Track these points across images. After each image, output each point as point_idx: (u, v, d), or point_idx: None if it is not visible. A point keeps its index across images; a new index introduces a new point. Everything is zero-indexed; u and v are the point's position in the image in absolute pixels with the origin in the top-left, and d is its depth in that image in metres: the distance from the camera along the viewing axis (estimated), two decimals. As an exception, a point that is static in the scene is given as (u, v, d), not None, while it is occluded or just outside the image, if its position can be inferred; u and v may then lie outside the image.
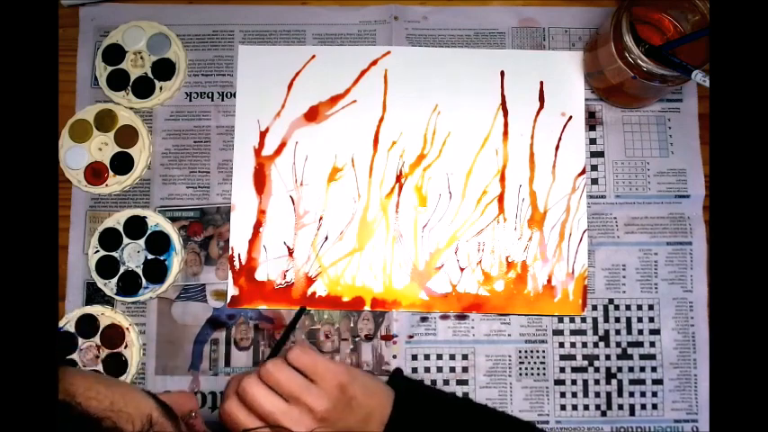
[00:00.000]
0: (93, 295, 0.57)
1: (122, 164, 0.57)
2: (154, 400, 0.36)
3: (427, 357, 0.57)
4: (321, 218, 0.58)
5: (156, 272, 0.56)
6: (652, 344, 0.57)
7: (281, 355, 0.47)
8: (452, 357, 0.57)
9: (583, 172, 0.58)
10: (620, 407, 0.56)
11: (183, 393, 0.45)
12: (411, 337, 0.57)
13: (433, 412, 0.49)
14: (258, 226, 0.58)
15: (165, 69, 0.59)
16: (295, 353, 0.46)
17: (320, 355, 0.47)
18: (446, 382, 0.56)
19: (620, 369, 0.57)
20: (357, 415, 0.46)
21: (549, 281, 0.57)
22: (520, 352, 0.57)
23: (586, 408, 0.56)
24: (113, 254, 0.57)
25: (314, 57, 0.59)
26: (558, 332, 0.57)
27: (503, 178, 0.58)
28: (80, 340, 0.55)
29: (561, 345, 0.57)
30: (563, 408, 0.56)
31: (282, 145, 0.58)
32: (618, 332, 0.57)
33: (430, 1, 0.60)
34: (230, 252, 0.57)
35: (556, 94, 0.59)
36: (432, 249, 0.57)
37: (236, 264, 0.57)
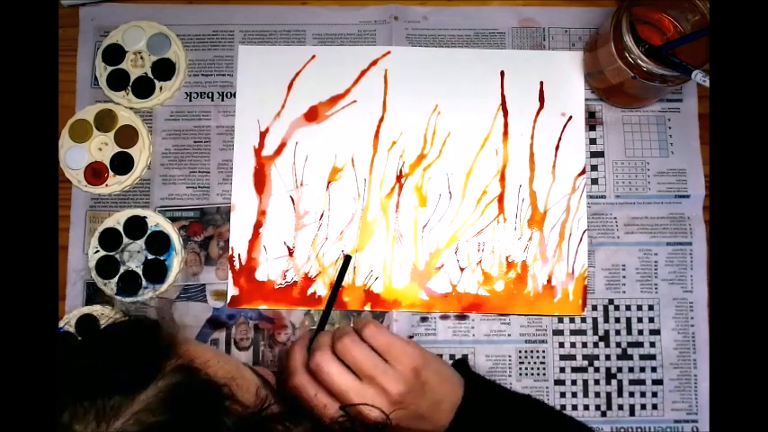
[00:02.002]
0: (93, 295, 0.57)
1: (122, 164, 0.57)
2: (255, 373, 0.38)
3: (427, 357, 0.57)
4: (321, 218, 0.58)
5: (156, 272, 0.56)
6: (652, 344, 0.57)
7: (350, 332, 0.46)
8: (452, 357, 0.57)
9: (583, 172, 0.58)
10: (620, 407, 0.56)
11: (264, 369, 0.45)
12: (411, 337, 0.57)
13: (501, 403, 0.49)
14: (258, 226, 0.58)
15: (165, 69, 0.59)
16: (371, 330, 0.45)
17: (395, 336, 0.46)
18: (446, 382, 0.56)
19: (620, 369, 0.57)
20: (428, 400, 0.45)
21: (549, 281, 0.57)
22: (520, 352, 0.57)
23: (586, 408, 0.56)
24: (113, 254, 0.57)
25: (314, 57, 0.59)
26: (558, 332, 0.57)
27: (503, 178, 0.58)
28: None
29: (561, 345, 0.57)
30: (563, 408, 0.56)
31: (282, 145, 0.58)
32: (618, 332, 0.57)
33: (430, 1, 0.60)
34: (230, 252, 0.57)
35: (556, 94, 0.59)
36: (432, 249, 0.57)
37: (236, 264, 0.57)
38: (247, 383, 0.35)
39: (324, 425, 0.43)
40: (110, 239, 0.57)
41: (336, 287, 0.53)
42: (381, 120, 0.58)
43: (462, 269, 0.57)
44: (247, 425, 0.31)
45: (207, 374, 0.32)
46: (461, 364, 0.53)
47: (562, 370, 0.57)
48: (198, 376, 0.31)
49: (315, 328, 0.55)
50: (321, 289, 0.57)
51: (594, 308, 0.57)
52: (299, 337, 0.50)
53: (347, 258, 0.55)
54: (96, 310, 0.56)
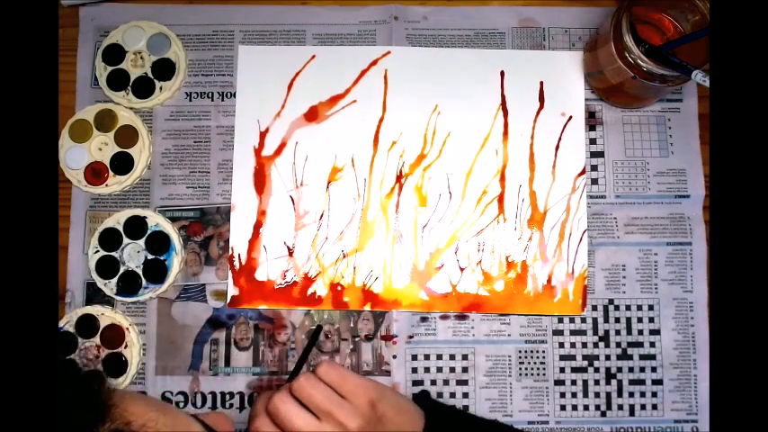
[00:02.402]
0: (93, 295, 0.57)
1: (122, 164, 0.57)
2: (200, 424, 0.36)
3: (427, 357, 0.57)
4: (321, 218, 0.58)
5: (156, 272, 0.56)
6: (652, 344, 0.57)
7: (305, 372, 0.46)
8: (452, 357, 0.57)
9: (583, 172, 0.58)
10: (620, 407, 0.56)
11: (220, 415, 0.44)
12: (411, 337, 0.57)
13: (464, 430, 0.49)
14: (258, 226, 0.58)
15: (165, 69, 0.59)
16: (324, 368, 0.45)
17: (349, 372, 0.46)
18: (446, 383, 0.56)
19: (620, 369, 0.57)
20: None
21: (549, 281, 0.57)
22: (520, 352, 0.57)
23: (586, 408, 0.56)
24: (113, 254, 0.57)
25: (314, 57, 0.59)
26: (557, 332, 0.57)
27: (503, 178, 0.58)
28: (80, 340, 0.55)
29: (561, 345, 0.57)
30: (563, 408, 0.56)
31: (282, 145, 0.58)
32: (618, 332, 0.57)
33: (430, 1, 0.60)
34: (230, 252, 0.57)
35: (556, 94, 0.59)
36: (432, 249, 0.57)
37: (236, 264, 0.57)
38: None
39: None
40: (110, 239, 0.57)
41: (305, 354, 0.53)
42: (381, 120, 0.58)
43: (462, 269, 0.57)
44: None
45: None
46: (422, 397, 0.53)
47: (562, 370, 0.57)
48: None
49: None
50: (321, 289, 0.57)
51: (594, 308, 0.57)
52: (265, 393, 0.49)
53: (318, 329, 0.55)
54: (96, 310, 0.56)
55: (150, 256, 0.57)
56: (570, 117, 0.58)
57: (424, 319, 0.57)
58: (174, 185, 0.58)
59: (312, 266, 0.57)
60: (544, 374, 0.57)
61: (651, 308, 0.57)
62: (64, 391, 0.31)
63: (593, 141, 0.59)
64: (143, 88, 0.58)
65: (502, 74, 0.59)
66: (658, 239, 0.58)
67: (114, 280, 0.56)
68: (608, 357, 0.57)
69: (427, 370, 0.57)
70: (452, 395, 0.56)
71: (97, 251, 0.57)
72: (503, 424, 0.53)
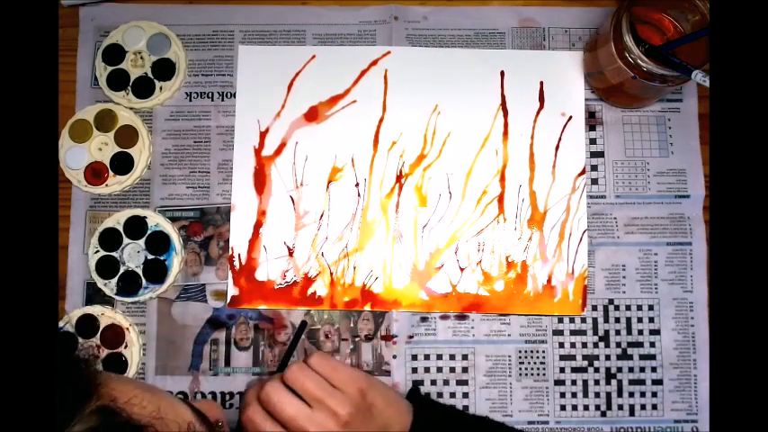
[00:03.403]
0: (94, 295, 0.57)
1: (122, 164, 0.57)
2: (191, 408, 0.36)
3: (427, 357, 0.57)
4: (321, 218, 0.58)
5: (156, 272, 0.56)
6: (652, 344, 0.57)
7: (297, 361, 0.47)
8: (452, 357, 0.57)
9: (583, 172, 0.58)
10: (620, 407, 0.56)
11: (211, 403, 0.45)
12: (411, 337, 0.57)
13: (452, 426, 0.50)
14: (258, 226, 0.58)
15: (165, 69, 0.59)
16: (316, 359, 0.47)
17: (341, 363, 0.48)
18: (446, 383, 0.56)
19: (620, 369, 0.57)
20: (376, 423, 0.46)
21: (549, 281, 0.57)
22: (520, 352, 0.57)
23: (586, 408, 0.56)
24: (113, 254, 0.57)
25: (314, 57, 0.59)
26: (557, 332, 0.57)
27: (503, 178, 0.58)
28: (80, 340, 0.55)
29: (561, 345, 0.57)
30: (563, 408, 0.56)
31: (282, 145, 0.58)
32: (618, 332, 0.57)
33: (430, 1, 0.60)
34: (230, 252, 0.57)
35: (556, 94, 0.59)
36: (432, 249, 0.57)
37: (236, 264, 0.57)
38: (179, 421, 0.33)
39: None
40: (110, 239, 0.57)
41: (292, 347, 0.54)
42: (381, 120, 0.58)
43: (462, 269, 0.57)
44: None
45: (129, 414, 0.30)
46: (413, 392, 0.54)
47: (562, 370, 0.57)
48: (118, 417, 0.30)
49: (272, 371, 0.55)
50: (321, 289, 0.57)
51: (594, 308, 0.57)
52: (257, 380, 0.50)
53: (303, 324, 0.55)
54: (96, 310, 0.56)
55: (150, 256, 0.57)
56: (570, 117, 0.58)
57: (424, 319, 0.57)
58: (174, 185, 0.58)
59: (312, 266, 0.57)
60: (544, 374, 0.57)
61: (651, 308, 0.57)
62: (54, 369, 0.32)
63: (593, 141, 0.59)
64: (143, 88, 0.58)
65: (502, 74, 0.59)
66: (658, 239, 0.58)
67: (114, 280, 0.56)
68: (608, 357, 0.57)
69: (427, 370, 0.57)
70: (452, 395, 0.56)
71: (97, 251, 0.57)
72: (491, 420, 0.54)
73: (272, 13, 0.60)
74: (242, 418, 0.46)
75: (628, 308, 0.57)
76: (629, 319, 0.57)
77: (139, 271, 0.57)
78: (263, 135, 0.58)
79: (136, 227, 0.57)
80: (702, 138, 0.59)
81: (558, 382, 0.57)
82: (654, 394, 0.56)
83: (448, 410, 0.53)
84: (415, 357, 0.57)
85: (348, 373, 0.47)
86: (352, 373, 0.47)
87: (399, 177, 0.58)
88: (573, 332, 0.57)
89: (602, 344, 0.57)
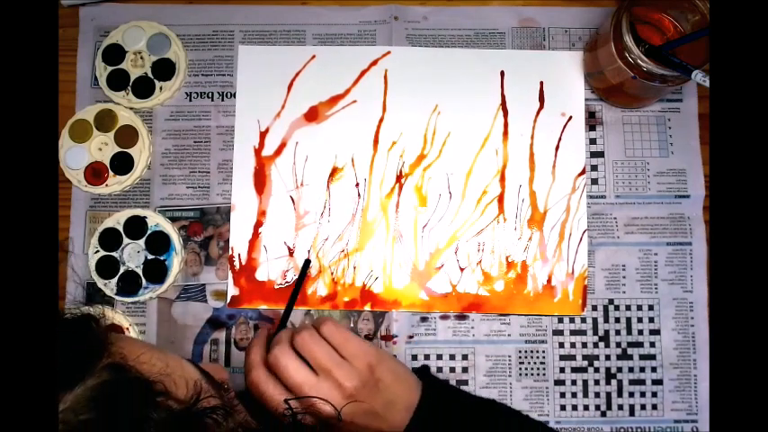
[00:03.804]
0: (94, 295, 0.57)
1: (122, 164, 0.57)
2: (198, 369, 0.37)
3: (427, 357, 0.57)
4: (321, 218, 0.58)
5: (156, 272, 0.56)
6: (652, 344, 0.57)
7: (309, 327, 0.47)
8: (452, 357, 0.57)
9: (583, 172, 0.58)
10: (620, 407, 0.56)
11: (217, 365, 0.45)
12: (411, 337, 0.57)
13: (460, 406, 0.49)
14: (258, 226, 0.58)
15: (165, 69, 0.59)
16: (329, 327, 0.46)
17: (352, 334, 0.47)
18: (446, 382, 0.56)
19: (620, 369, 0.57)
20: (382, 398, 0.46)
21: (549, 281, 0.57)
22: (520, 352, 0.57)
23: (586, 408, 0.56)
24: (113, 254, 0.57)
25: (314, 57, 0.59)
26: (557, 332, 0.57)
27: (503, 178, 0.58)
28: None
29: (561, 345, 0.57)
30: (563, 408, 0.56)
31: (282, 145, 0.58)
32: (618, 332, 0.57)
33: (430, 1, 0.60)
34: (230, 252, 0.57)
35: (556, 94, 0.59)
36: (432, 249, 0.57)
37: (236, 264, 0.57)
38: (187, 379, 0.34)
39: (280, 421, 0.43)
40: (110, 239, 0.57)
41: (297, 287, 0.54)
42: (381, 120, 0.58)
43: (462, 269, 0.57)
44: (176, 419, 0.30)
45: (138, 371, 0.31)
46: (423, 371, 0.53)
47: (562, 370, 0.57)
48: (128, 373, 0.31)
49: (275, 325, 0.55)
50: (321, 289, 0.57)
51: (594, 308, 0.57)
52: (258, 334, 0.50)
53: (306, 262, 0.56)
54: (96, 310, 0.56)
55: (150, 256, 0.57)
56: (570, 117, 0.58)
57: (424, 319, 0.57)
58: (174, 185, 0.58)
59: (312, 266, 0.57)
60: (544, 374, 0.57)
61: (651, 308, 0.57)
62: (64, 329, 0.33)
63: (593, 141, 0.59)
64: (143, 88, 0.58)
65: (502, 74, 0.59)
66: (658, 239, 0.58)
67: (114, 280, 0.56)
68: (608, 357, 0.57)
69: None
70: (452, 395, 0.56)
71: (97, 251, 0.57)
72: (499, 403, 0.54)
73: (272, 13, 0.60)
74: (247, 379, 0.46)
75: (628, 308, 0.57)
76: (629, 319, 0.57)
77: (139, 271, 0.57)
78: (263, 135, 0.58)
79: (136, 227, 0.57)
80: (702, 138, 0.59)
81: (558, 382, 0.57)
82: (654, 394, 0.56)
83: (456, 391, 0.53)
84: (415, 357, 0.57)
85: (358, 346, 0.46)
86: (363, 346, 0.46)
87: (399, 177, 0.58)
88: (573, 332, 0.57)
89: (602, 344, 0.57)
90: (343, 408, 0.44)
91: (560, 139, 0.58)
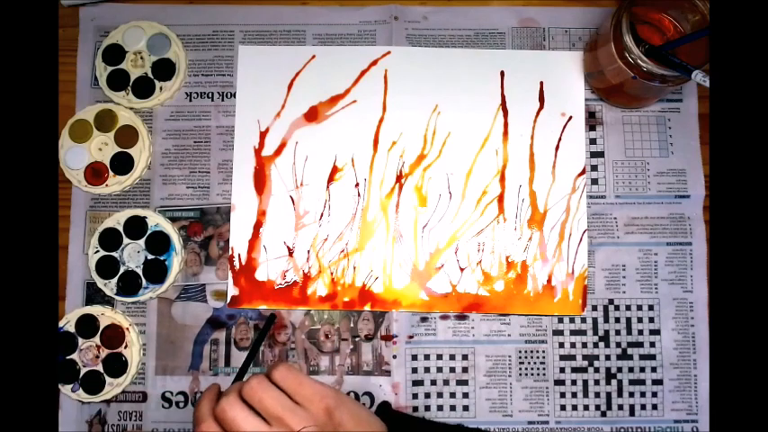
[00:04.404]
0: (94, 295, 0.57)
1: (122, 164, 0.57)
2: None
3: (427, 357, 0.57)
4: (321, 218, 0.58)
5: (156, 272, 0.56)
6: (652, 344, 0.57)
7: (258, 374, 0.44)
8: (452, 357, 0.57)
9: (583, 172, 0.58)
10: (620, 407, 0.56)
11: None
12: (411, 337, 0.57)
13: None
14: (258, 226, 0.58)
15: (165, 69, 0.59)
16: (281, 372, 0.43)
17: (306, 376, 0.44)
18: (446, 383, 0.56)
19: (620, 369, 0.57)
20: None
21: (549, 281, 0.57)
22: (520, 352, 0.57)
23: (586, 408, 0.56)
24: (113, 254, 0.57)
25: (314, 57, 0.59)
26: (557, 332, 0.57)
27: (503, 178, 0.58)
28: (80, 340, 0.55)
29: (561, 345, 0.57)
30: (563, 408, 0.56)
31: (282, 145, 0.58)
32: (618, 332, 0.57)
33: (430, 1, 0.60)
34: (230, 252, 0.57)
35: (556, 95, 0.59)
36: (432, 249, 0.57)
37: (236, 264, 0.57)
38: None
39: None
40: (110, 239, 0.57)
41: (257, 344, 0.52)
42: (381, 120, 0.58)
43: (462, 269, 0.57)
44: None
45: None
46: (384, 408, 0.52)
47: (562, 370, 0.57)
48: None
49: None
50: (321, 289, 0.57)
51: (594, 308, 0.57)
52: (209, 387, 0.47)
53: (271, 317, 0.55)
54: (96, 310, 0.56)
55: (150, 256, 0.57)
56: (570, 117, 0.59)
57: (424, 319, 0.57)
58: (173, 185, 0.58)
59: (312, 266, 0.57)
60: (544, 374, 0.57)
61: (651, 308, 0.57)
62: None
63: (593, 141, 0.59)
64: (143, 88, 0.58)
65: (502, 74, 0.59)
66: (658, 239, 0.58)
67: (114, 280, 0.56)
68: (608, 357, 0.57)
69: (427, 370, 0.57)
70: (452, 395, 0.56)
71: (97, 251, 0.57)
72: (466, 428, 0.52)
73: (272, 13, 0.60)
74: None
75: (628, 308, 0.57)
76: (629, 319, 0.57)
77: (139, 271, 0.57)
78: (263, 135, 0.58)
79: (136, 227, 0.57)
80: (702, 138, 0.59)
81: (558, 382, 0.57)
82: (654, 394, 0.56)
83: (421, 423, 0.51)
84: (415, 357, 0.57)
85: (314, 389, 0.43)
86: (320, 390, 0.43)
87: (399, 177, 0.58)
88: (573, 332, 0.57)
89: (602, 344, 0.57)
90: None
91: (560, 139, 0.58)
